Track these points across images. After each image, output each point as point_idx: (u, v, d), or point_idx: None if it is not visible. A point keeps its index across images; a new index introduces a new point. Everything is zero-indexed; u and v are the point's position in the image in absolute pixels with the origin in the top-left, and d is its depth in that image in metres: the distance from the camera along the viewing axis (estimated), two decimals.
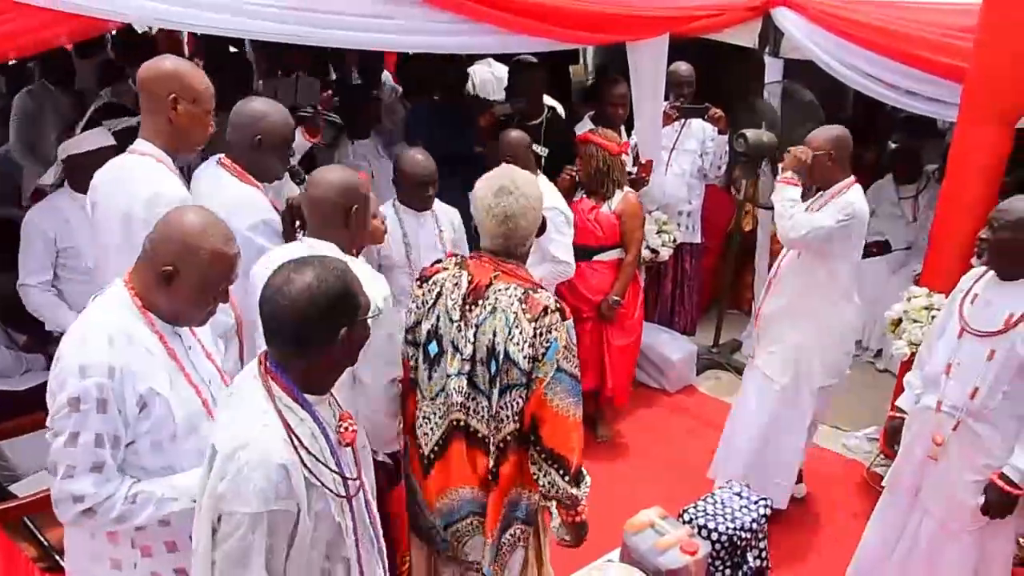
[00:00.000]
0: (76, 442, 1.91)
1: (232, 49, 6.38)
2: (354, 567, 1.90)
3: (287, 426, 1.72)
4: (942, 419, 2.89)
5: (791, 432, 3.78)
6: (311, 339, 1.75)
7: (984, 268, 2.92)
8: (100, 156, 3.01)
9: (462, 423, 2.42)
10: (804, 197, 3.62)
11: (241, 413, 1.77)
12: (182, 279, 1.97)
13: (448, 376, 2.42)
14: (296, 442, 1.71)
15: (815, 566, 3.71)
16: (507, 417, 2.34)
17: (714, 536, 2.99)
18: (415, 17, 3.43)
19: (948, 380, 2.89)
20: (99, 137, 3.59)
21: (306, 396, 1.79)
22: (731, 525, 3.02)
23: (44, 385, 2.01)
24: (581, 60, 7.65)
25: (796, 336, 3.62)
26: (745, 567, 3.03)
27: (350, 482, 1.86)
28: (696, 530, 2.99)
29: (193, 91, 2.64)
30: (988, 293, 2.85)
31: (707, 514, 3.07)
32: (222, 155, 2.95)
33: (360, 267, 2.38)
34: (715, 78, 5.14)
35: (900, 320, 3.75)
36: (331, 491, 1.79)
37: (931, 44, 3.96)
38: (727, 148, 4.98)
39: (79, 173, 3.38)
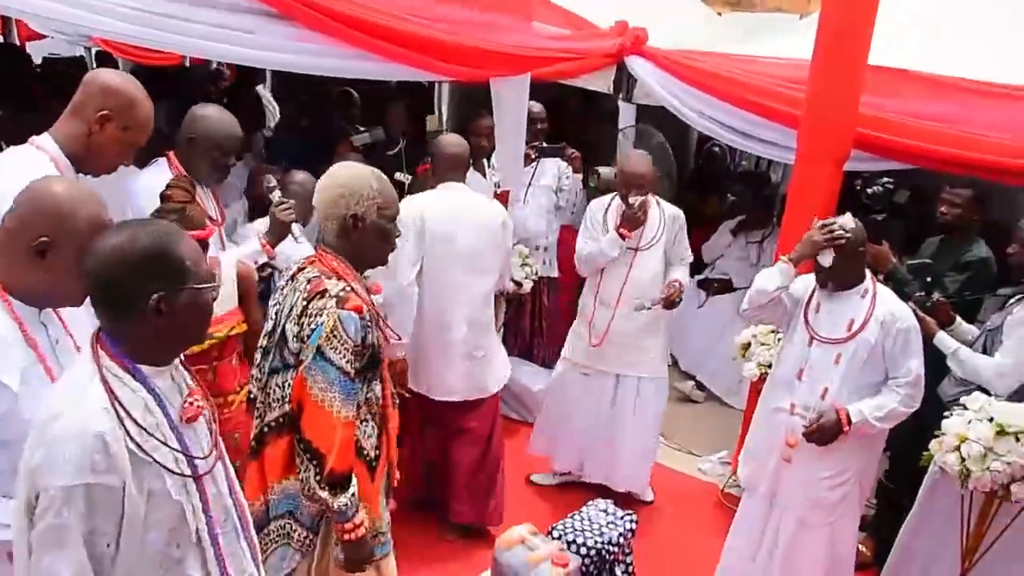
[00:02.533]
0: None
1: None
2: (210, 556, 1.73)
3: (112, 395, 1.57)
4: (795, 421, 3.07)
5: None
6: (118, 301, 1.61)
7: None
8: None
9: (252, 395, 2.40)
10: None
11: (62, 383, 1.64)
12: (58, 251, 1.80)
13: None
14: (122, 412, 1.56)
15: None
16: (278, 400, 2.29)
17: (583, 551, 3.02)
18: (277, 35, 3.37)
19: (800, 384, 3.08)
20: None
21: (140, 367, 1.63)
22: (599, 539, 3.06)
23: None
24: (436, 110, 7.77)
25: (659, 333, 4.13)
26: None
27: (198, 461, 1.70)
28: (565, 545, 3.01)
29: (130, 118, 2.42)
30: (828, 303, 3.08)
31: (575, 530, 3.10)
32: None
33: None
34: (574, 121, 5.35)
35: (749, 344, 3.97)
36: (167, 469, 1.62)
37: (766, 92, 4.30)
38: (581, 186, 5.24)
39: None
